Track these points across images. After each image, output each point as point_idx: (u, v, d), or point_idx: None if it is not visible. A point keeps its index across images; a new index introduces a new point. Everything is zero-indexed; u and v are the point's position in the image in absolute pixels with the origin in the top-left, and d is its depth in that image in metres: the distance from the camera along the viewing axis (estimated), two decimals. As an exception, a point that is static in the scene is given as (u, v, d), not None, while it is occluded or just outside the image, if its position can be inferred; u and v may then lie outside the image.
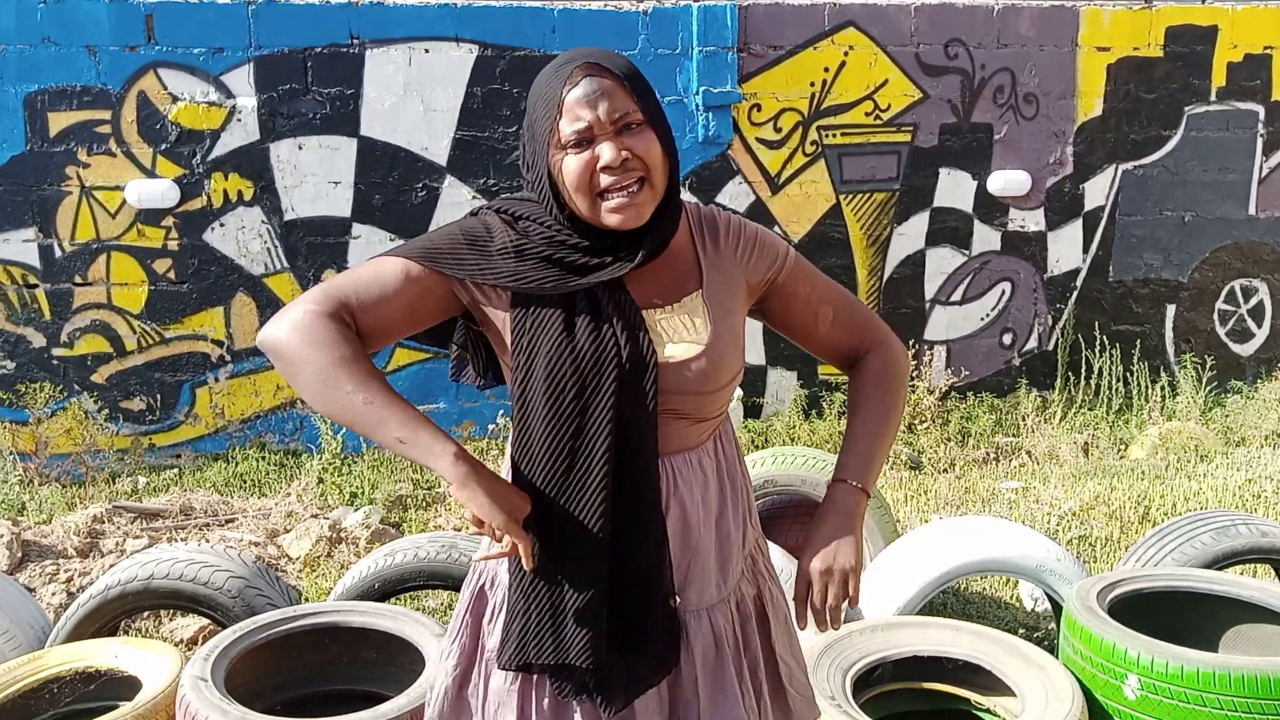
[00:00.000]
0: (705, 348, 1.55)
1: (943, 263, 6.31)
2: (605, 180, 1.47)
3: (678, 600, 1.58)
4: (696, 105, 5.80)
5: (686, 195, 5.80)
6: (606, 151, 1.46)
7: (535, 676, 1.58)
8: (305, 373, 1.45)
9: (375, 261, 1.54)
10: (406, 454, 1.45)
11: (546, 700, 1.58)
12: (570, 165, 1.48)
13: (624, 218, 1.49)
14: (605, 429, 1.48)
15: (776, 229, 6.06)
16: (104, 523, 4.35)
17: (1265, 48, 6.42)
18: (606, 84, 1.47)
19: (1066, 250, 6.44)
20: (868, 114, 6.06)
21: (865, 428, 1.71)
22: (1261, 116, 6.49)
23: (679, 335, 1.56)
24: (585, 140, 1.47)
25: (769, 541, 2.83)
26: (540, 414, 1.50)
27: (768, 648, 1.72)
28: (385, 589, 2.97)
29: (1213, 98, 6.42)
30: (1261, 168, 6.55)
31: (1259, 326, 6.75)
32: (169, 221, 5.50)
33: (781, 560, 2.91)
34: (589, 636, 1.50)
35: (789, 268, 1.67)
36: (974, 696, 2.69)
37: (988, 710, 2.68)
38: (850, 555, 1.64)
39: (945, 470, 5.45)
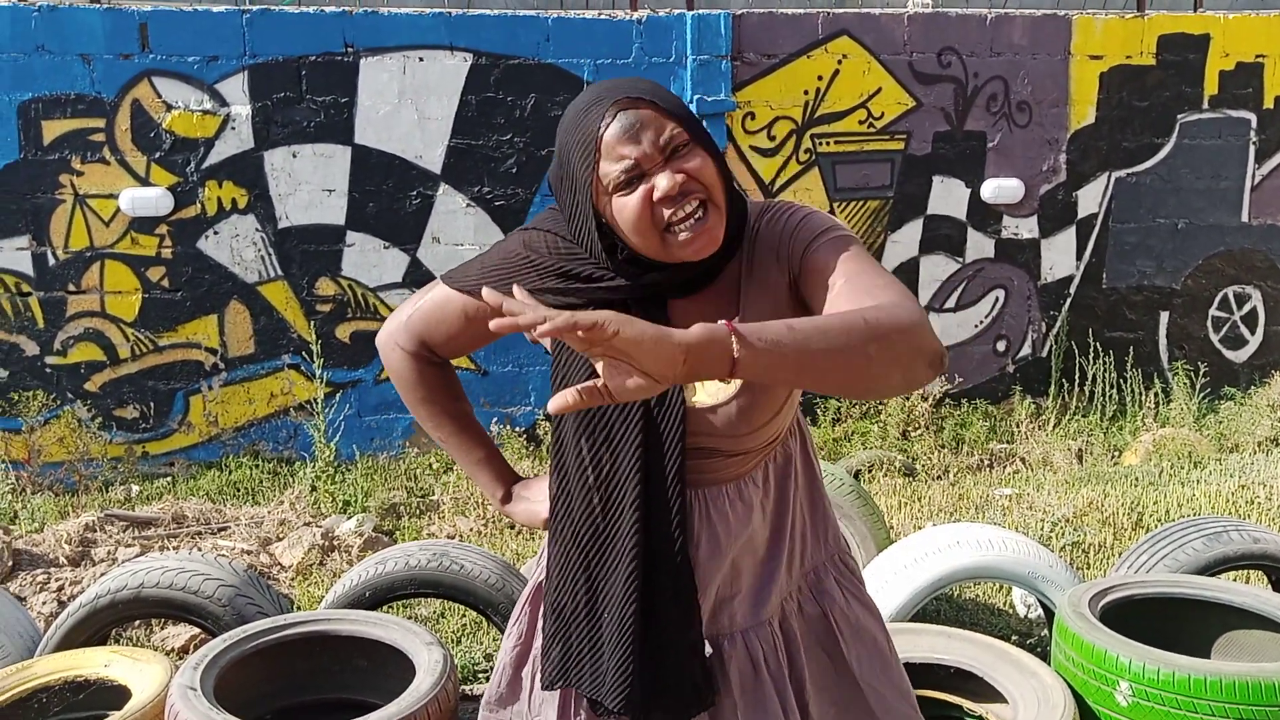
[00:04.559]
0: (737, 392, 1.47)
1: (936, 270, 6.31)
2: (667, 213, 1.37)
3: (709, 649, 1.55)
4: (690, 113, 5.81)
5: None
6: (663, 181, 1.35)
7: None
8: (403, 397, 1.75)
9: (440, 297, 1.64)
10: None
11: (585, 709, 1.60)
12: (625, 208, 1.38)
13: (699, 246, 1.38)
14: (634, 476, 1.47)
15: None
16: (96, 531, 4.33)
17: (1257, 56, 6.44)
18: (644, 114, 1.37)
19: (1060, 257, 6.45)
20: (861, 122, 6.07)
21: (796, 320, 1.25)
22: (1254, 124, 6.51)
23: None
24: (635, 178, 1.37)
25: None
26: (571, 457, 1.52)
27: (843, 666, 1.64)
28: (376, 597, 2.96)
29: (1205, 105, 6.43)
30: (1254, 175, 6.57)
31: (1252, 333, 6.76)
32: (163, 229, 5.49)
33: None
34: (625, 679, 1.50)
35: (823, 242, 1.46)
36: (966, 703, 2.69)
37: (980, 717, 2.67)
38: (622, 327, 1.10)
39: (939, 477, 5.45)
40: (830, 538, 1.69)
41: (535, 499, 1.72)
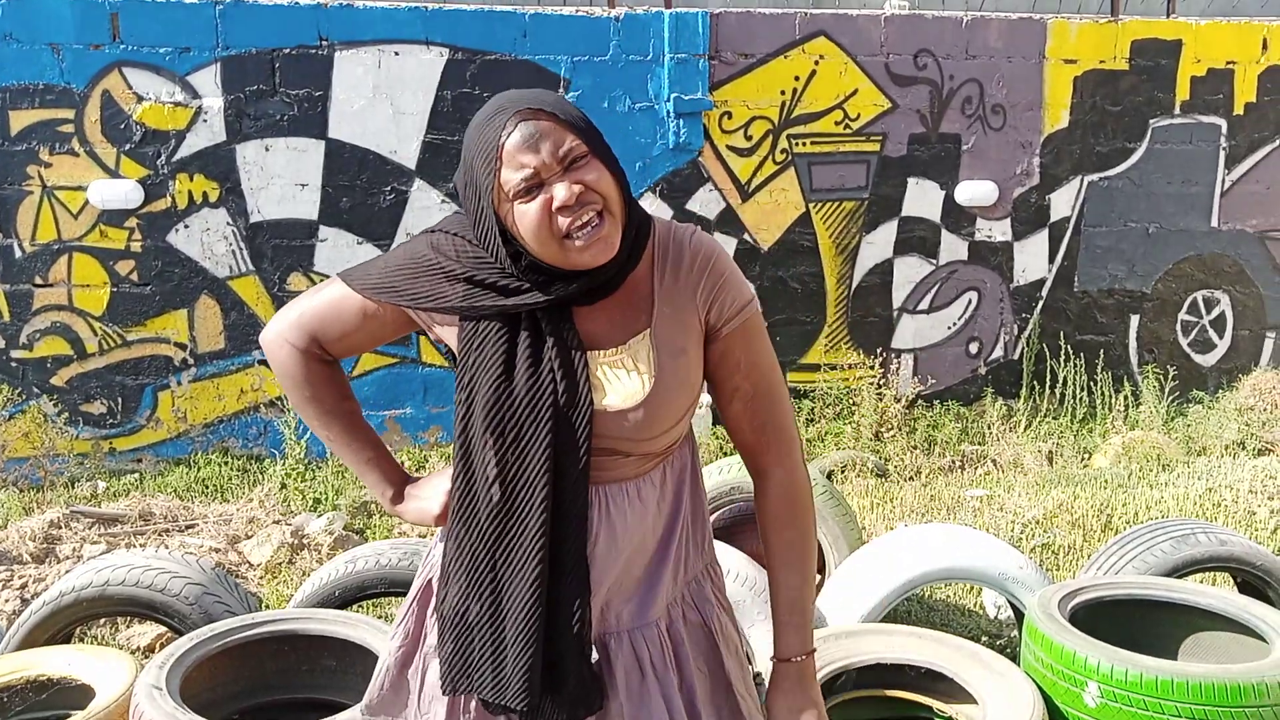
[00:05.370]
0: (645, 398, 1.50)
1: (910, 271, 6.34)
2: (564, 221, 1.42)
3: (595, 655, 1.57)
4: (667, 112, 5.81)
5: (657, 205, 5.80)
6: (560, 191, 1.41)
7: None
8: (289, 397, 1.71)
9: (337, 295, 1.63)
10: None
11: (475, 706, 1.60)
12: (525, 215, 1.42)
13: (595, 252, 1.43)
14: (542, 477, 1.48)
15: (746, 237, 6.08)
16: (61, 528, 4.27)
17: (1228, 62, 6.51)
18: (544, 124, 1.42)
19: (1032, 260, 6.50)
20: (837, 123, 6.09)
21: (787, 593, 1.64)
22: (1224, 130, 6.58)
23: (620, 382, 1.51)
24: (534, 186, 1.42)
25: (734, 549, 2.79)
26: (478, 454, 1.52)
27: (720, 677, 1.67)
28: (346, 596, 2.93)
29: (1177, 111, 6.50)
30: (1224, 180, 6.64)
31: (1220, 337, 6.84)
32: (132, 222, 5.43)
33: (748, 568, 2.90)
34: (525, 680, 1.51)
35: (736, 324, 1.56)
36: (936, 704, 2.70)
37: (949, 717, 2.68)
38: None
39: (911, 478, 5.47)
40: (707, 545, 1.73)
41: (426, 497, 1.70)
